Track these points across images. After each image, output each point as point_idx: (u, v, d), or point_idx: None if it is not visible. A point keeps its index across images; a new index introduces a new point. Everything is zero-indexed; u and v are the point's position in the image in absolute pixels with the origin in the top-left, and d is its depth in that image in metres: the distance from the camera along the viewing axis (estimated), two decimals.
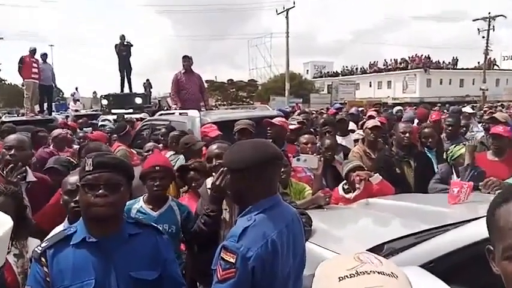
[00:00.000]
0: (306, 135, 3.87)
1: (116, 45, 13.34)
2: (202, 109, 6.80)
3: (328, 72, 56.62)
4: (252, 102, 36.59)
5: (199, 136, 4.43)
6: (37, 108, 11.31)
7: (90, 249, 1.53)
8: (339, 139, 4.85)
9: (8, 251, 1.82)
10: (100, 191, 1.50)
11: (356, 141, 4.80)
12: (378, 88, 49.36)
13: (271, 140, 4.01)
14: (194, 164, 3.04)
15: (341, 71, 54.77)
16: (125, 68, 13.60)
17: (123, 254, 1.56)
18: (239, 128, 3.96)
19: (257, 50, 41.66)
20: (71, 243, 1.54)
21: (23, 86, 10.81)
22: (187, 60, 6.83)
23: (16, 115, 13.18)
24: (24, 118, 9.71)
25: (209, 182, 2.46)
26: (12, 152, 2.73)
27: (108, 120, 7.59)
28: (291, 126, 4.48)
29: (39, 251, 1.52)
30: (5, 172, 2.66)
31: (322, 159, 3.07)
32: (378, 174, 3.33)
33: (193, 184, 2.98)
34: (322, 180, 3.37)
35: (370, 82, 50.26)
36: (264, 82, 43.38)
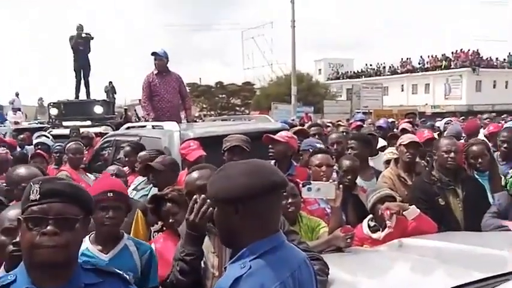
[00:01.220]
0: (319, 155, 3.87)
1: (70, 38, 13.41)
2: (183, 121, 6.83)
3: (347, 72, 57.31)
4: (248, 112, 36.73)
5: (178, 157, 4.45)
6: None
7: None
8: None
9: None
10: (48, 228, 1.50)
11: (388, 162, 4.81)
12: (413, 93, 49.92)
13: (273, 162, 4.04)
14: (172, 193, 3.03)
15: (364, 71, 55.41)
16: (82, 67, 13.65)
17: None
18: (229, 146, 3.97)
19: (254, 44, 42.01)
20: None
21: None
22: (158, 58, 6.79)
23: None
24: None
25: None
26: None
27: (45, 136, 7.59)
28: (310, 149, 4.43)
29: None
30: None
31: (341, 186, 3.07)
32: (414, 206, 3.33)
33: (170, 220, 2.97)
34: (342, 215, 3.37)
35: (402, 85, 50.83)
36: (264, 86, 43.68)
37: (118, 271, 1.77)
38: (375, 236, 3.35)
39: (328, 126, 9.26)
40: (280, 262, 1.55)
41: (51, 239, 1.50)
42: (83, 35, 13.43)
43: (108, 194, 2.49)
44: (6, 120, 16.56)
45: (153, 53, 6.83)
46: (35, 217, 1.52)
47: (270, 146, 4.19)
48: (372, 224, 3.44)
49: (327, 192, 3.02)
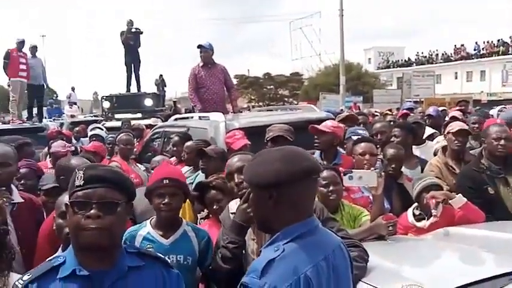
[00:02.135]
0: (363, 144, 3.83)
1: (121, 33, 13.72)
2: (230, 111, 6.91)
3: (397, 61, 55.94)
4: (296, 102, 36.60)
5: (223, 147, 4.53)
6: (26, 114, 11.95)
7: (81, 284, 1.62)
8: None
9: None
10: (92, 211, 1.59)
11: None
12: (467, 80, 48.11)
13: (320, 152, 4.04)
14: (216, 181, 3.11)
15: (415, 59, 53.91)
16: (133, 61, 13.93)
17: None
18: (272, 136, 4.00)
19: (302, 34, 41.63)
20: (58, 276, 1.63)
21: (8, 86, 11.45)
22: (204, 50, 6.89)
23: (2, 123, 13.93)
24: (9, 126, 10.28)
25: (233, 205, 2.52)
26: None
27: (100, 128, 7.87)
28: (354, 137, 4.43)
29: (20, 286, 1.62)
30: None
31: (382, 174, 3.04)
32: (460, 195, 3.26)
33: (214, 207, 3.05)
34: (384, 203, 3.34)
35: (456, 73, 49.07)
36: (312, 76, 43.33)
37: (159, 255, 1.85)
38: (420, 224, 3.31)
39: (376, 115, 9.10)
40: (313, 246, 1.58)
41: (94, 221, 1.59)
42: (133, 30, 13.66)
43: (164, 181, 2.58)
44: (63, 113, 17.29)
45: (199, 46, 6.94)
46: (80, 201, 1.62)
47: (315, 137, 4.17)
48: (417, 212, 3.39)
49: (368, 180, 3.00)
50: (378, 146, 4.12)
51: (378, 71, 50.54)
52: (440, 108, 9.43)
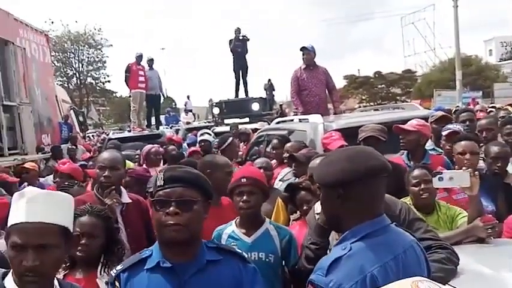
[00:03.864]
0: (463, 142, 3.62)
1: (230, 41, 14.27)
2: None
3: None
4: (409, 101, 35.13)
5: (320, 148, 4.55)
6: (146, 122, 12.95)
7: (164, 274, 1.78)
8: None
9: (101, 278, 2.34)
10: (171, 208, 1.74)
11: None
12: None
13: (406, 152, 3.91)
14: (305, 182, 3.15)
15: None
16: (241, 67, 14.43)
17: (198, 283, 1.76)
18: (364, 136, 3.93)
19: (414, 29, 39.92)
20: (145, 267, 1.81)
21: (130, 97, 12.51)
22: (306, 52, 6.96)
23: (127, 131, 15.27)
24: (131, 134, 11.22)
25: (318, 206, 2.55)
26: (106, 172, 3.23)
27: (208, 133, 8.24)
28: (443, 132, 4.24)
29: (113, 274, 1.84)
30: (104, 194, 3.19)
31: (477, 173, 2.86)
32: None
33: (304, 207, 3.09)
34: (489, 204, 3.14)
35: None
36: (426, 72, 41.25)
37: (237, 250, 1.96)
38: None
39: (491, 111, 8.42)
40: (382, 245, 1.57)
41: (173, 218, 1.73)
42: (240, 38, 14.15)
43: (242, 179, 2.70)
44: (180, 121, 18.44)
45: (302, 48, 7.03)
46: (160, 200, 1.78)
47: (400, 136, 4.02)
48: None
49: (460, 180, 2.82)
50: (482, 144, 3.87)
51: (500, 63, 46.58)
52: None
